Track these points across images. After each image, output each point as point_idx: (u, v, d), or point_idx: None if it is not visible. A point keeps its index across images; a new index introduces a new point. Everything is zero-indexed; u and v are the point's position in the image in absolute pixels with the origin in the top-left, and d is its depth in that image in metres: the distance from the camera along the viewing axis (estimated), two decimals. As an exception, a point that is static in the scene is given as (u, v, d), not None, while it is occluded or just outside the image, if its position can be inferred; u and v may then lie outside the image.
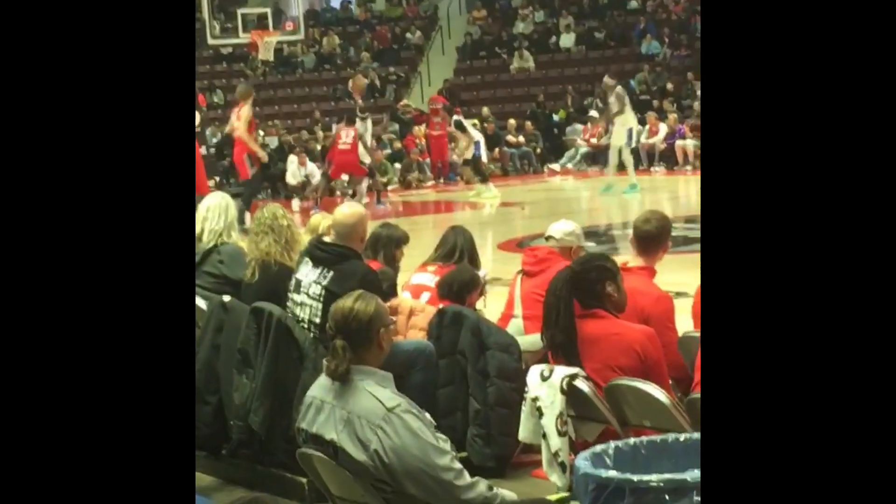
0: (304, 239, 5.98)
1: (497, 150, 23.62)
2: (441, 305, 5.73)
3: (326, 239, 5.59)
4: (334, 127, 21.39)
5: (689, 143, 21.84)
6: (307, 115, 26.02)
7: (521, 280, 6.23)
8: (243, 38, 24.55)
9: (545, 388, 4.52)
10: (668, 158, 22.21)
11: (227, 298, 5.81)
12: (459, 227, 6.71)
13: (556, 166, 24.16)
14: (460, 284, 5.79)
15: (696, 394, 4.35)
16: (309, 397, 3.93)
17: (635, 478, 2.91)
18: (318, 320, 5.26)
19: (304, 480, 4.99)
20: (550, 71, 27.88)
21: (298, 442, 3.98)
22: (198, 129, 15.63)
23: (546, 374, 4.53)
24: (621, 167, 18.59)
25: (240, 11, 24.30)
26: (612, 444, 3.26)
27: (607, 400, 4.45)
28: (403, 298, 6.09)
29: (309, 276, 5.39)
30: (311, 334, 5.32)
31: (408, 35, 30.16)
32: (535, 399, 4.56)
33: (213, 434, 5.65)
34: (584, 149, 24.03)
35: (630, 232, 5.53)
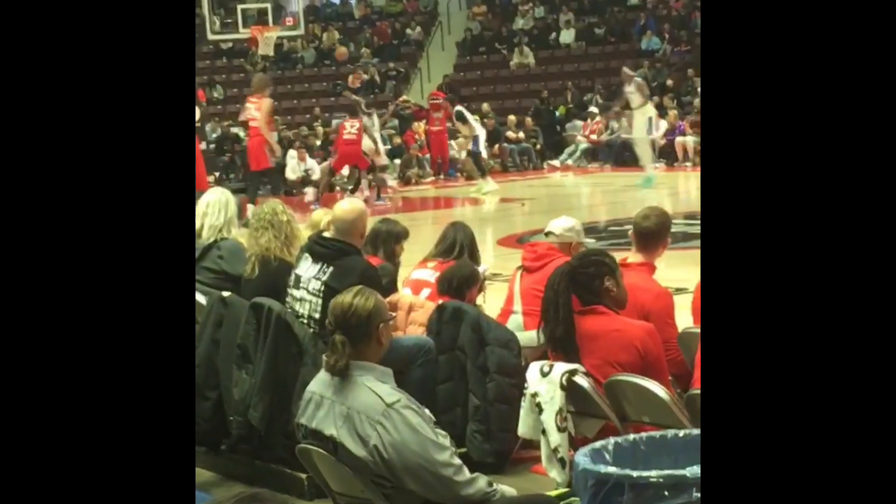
0: (304, 234, 5.97)
1: (497, 146, 23.62)
2: (441, 301, 5.73)
3: (326, 234, 5.58)
4: (334, 122, 21.42)
5: (690, 140, 21.84)
6: (307, 111, 26.03)
7: (521, 276, 6.22)
8: (243, 33, 24.60)
9: (545, 383, 4.52)
10: (669, 154, 22.20)
11: (226, 294, 5.80)
12: (459, 223, 6.71)
13: (555, 162, 24.16)
14: (460, 280, 5.79)
15: (696, 390, 4.35)
16: (308, 393, 3.93)
17: (635, 474, 2.92)
18: (317, 316, 5.26)
19: (303, 476, 4.99)
20: (550, 67, 27.87)
21: (298, 437, 3.98)
22: (197, 125, 15.62)
23: (546, 370, 4.53)
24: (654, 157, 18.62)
25: (240, 7, 24.32)
26: (612, 440, 3.27)
27: (607, 396, 4.46)
28: (403, 294, 6.09)
29: (308, 271, 5.39)
30: (311, 330, 5.32)
31: (408, 31, 30.15)
32: (534, 395, 4.56)
33: (212, 429, 5.63)
34: (584, 145, 24.04)
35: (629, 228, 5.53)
